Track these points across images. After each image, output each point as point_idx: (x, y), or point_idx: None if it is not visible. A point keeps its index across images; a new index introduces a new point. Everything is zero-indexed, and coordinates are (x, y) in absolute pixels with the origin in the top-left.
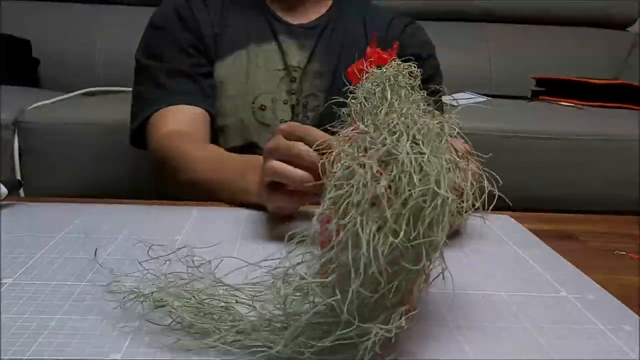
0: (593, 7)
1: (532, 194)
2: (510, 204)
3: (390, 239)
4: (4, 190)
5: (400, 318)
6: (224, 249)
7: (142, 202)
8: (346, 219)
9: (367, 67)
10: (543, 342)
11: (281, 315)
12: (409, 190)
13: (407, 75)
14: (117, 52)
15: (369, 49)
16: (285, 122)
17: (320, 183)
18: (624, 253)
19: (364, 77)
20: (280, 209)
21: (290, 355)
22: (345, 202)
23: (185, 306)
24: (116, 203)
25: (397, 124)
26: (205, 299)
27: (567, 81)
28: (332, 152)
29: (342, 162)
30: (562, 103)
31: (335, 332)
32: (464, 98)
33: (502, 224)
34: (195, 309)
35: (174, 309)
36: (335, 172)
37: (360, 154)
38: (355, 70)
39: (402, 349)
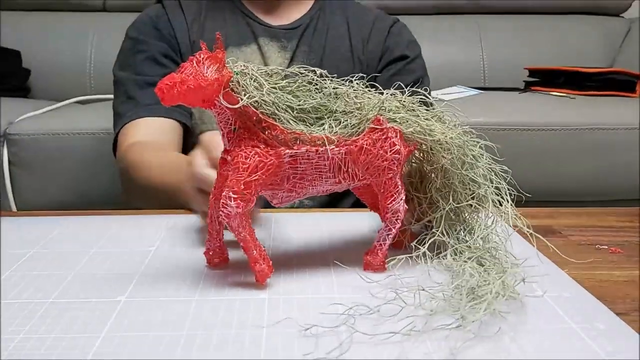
0: None
1: (525, 186)
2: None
3: None
4: None
5: None
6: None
7: (122, 212)
8: None
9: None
10: (515, 343)
11: None
12: None
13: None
14: (107, 60)
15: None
16: None
17: None
18: (605, 247)
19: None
20: None
21: None
22: None
23: None
24: (95, 214)
25: None
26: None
27: (560, 71)
28: None
29: None
30: (554, 93)
31: None
32: (455, 92)
33: None
34: None
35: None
36: None
37: None
38: (232, 71)
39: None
